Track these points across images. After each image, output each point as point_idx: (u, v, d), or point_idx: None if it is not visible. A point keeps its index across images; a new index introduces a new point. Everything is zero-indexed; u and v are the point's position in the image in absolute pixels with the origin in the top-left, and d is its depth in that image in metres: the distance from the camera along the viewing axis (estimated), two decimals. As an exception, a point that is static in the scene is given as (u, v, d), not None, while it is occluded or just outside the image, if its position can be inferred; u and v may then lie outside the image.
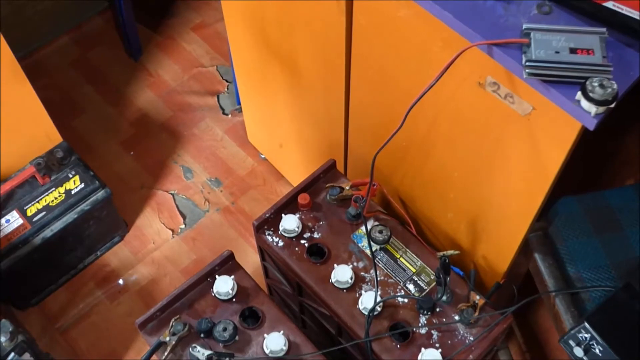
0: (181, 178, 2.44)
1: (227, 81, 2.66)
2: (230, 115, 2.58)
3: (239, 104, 2.53)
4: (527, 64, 1.05)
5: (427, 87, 1.17)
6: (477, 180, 1.44)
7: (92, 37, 2.80)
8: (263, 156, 2.46)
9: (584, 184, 1.56)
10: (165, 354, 1.46)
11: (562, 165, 1.21)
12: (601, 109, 1.01)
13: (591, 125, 1.04)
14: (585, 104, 1.02)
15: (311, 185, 1.70)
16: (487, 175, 1.40)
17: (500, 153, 1.31)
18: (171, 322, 1.49)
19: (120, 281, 2.21)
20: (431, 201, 1.66)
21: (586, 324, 1.23)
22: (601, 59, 1.04)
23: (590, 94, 1.00)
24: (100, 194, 2.05)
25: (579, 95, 1.02)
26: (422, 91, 1.19)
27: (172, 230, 2.32)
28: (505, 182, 1.37)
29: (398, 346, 1.48)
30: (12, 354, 1.68)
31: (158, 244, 2.29)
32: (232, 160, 2.48)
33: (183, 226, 2.33)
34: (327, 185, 1.70)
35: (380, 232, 1.59)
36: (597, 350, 1.24)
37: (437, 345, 1.48)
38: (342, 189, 1.68)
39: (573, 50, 1.05)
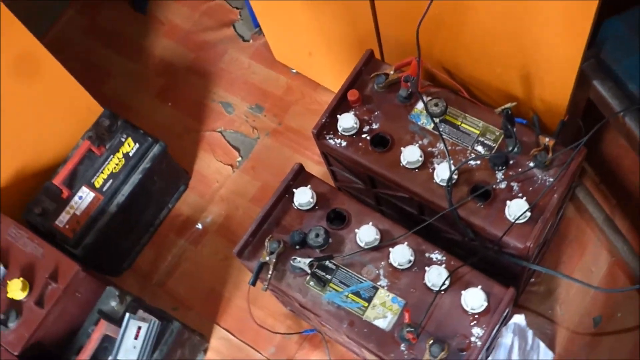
0: (223, 114, 2.46)
1: (237, 8, 2.63)
2: (251, 41, 2.57)
3: (257, 26, 2.51)
4: None
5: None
6: (519, 24, 1.42)
7: (95, 2, 2.77)
8: (294, 70, 2.46)
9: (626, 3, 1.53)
10: (270, 272, 1.52)
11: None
12: None
13: None
14: None
15: (356, 80, 1.71)
16: (528, 13, 1.38)
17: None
18: (265, 243, 1.56)
19: (198, 225, 2.28)
20: (476, 61, 1.65)
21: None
22: None
23: None
24: (155, 149, 2.10)
25: None
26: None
27: (231, 165, 2.36)
28: (548, 14, 1.34)
29: (482, 206, 1.52)
30: (127, 314, 1.78)
31: (221, 182, 2.34)
32: (265, 83, 2.48)
33: (240, 159, 2.37)
34: (371, 76, 1.70)
35: (436, 104, 1.61)
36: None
37: (520, 194, 1.51)
38: (387, 75, 1.68)
39: None
